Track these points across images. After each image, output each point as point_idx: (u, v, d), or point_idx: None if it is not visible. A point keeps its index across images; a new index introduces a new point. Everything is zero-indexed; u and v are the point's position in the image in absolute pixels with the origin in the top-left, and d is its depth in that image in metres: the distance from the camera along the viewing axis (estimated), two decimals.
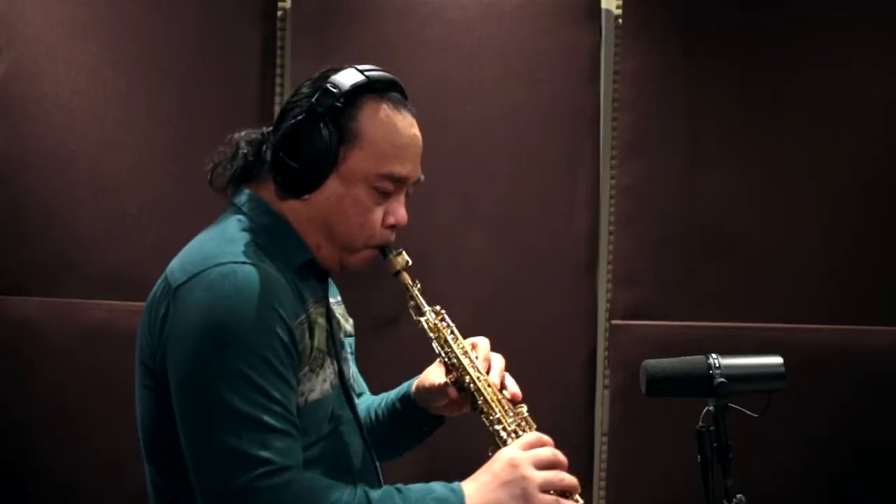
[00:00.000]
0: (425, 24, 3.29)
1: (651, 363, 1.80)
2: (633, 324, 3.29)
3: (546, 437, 1.77)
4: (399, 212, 1.84)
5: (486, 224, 3.30)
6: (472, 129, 3.29)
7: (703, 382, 1.77)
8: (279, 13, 3.35)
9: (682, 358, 1.80)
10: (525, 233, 3.31)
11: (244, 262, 1.70)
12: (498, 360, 1.94)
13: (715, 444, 1.76)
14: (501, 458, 1.73)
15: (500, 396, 1.86)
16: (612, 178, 3.36)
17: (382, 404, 2.10)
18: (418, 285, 1.91)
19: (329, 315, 1.89)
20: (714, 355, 1.78)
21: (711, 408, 1.76)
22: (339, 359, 1.89)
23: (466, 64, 3.29)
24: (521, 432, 1.81)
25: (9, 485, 3.22)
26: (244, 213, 1.83)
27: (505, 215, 3.31)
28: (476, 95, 3.29)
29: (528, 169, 3.30)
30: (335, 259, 1.85)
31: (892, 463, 3.24)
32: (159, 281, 1.78)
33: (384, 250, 1.86)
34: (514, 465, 1.70)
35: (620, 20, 3.34)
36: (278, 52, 3.35)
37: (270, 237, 1.79)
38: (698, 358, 1.79)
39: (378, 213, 1.82)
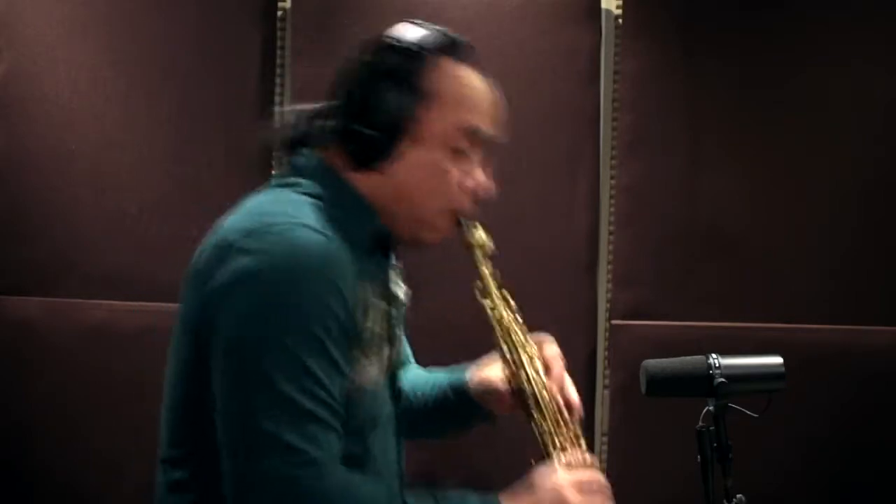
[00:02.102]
0: None
1: (651, 363, 1.79)
2: (633, 324, 3.29)
3: (592, 458, 1.72)
4: (480, 176, 1.72)
5: (486, 224, 3.29)
6: None
7: (703, 382, 1.76)
8: (279, 13, 3.35)
9: (682, 358, 1.80)
10: (525, 233, 3.30)
11: (309, 227, 1.57)
12: (559, 363, 1.84)
13: (715, 444, 1.76)
14: (545, 479, 1.65)
15: (555, 405, 1.76)
16: (612, 178, 3.36)
17: (431, 386, 1.96)
18: (490, 266, 1.80)
19: (390, 295, 1.75)
20: (714, 355, 1.78)
21: (711, 408, 1.76)
22: (394, 344, 1.75)
23: None
24: (569, 449, 1.73)
25: (9, 485, 3.22)
26: (308, 178, 1.68)
27: (505, 215, 3.30)
28: None
29: (528, 169, 3.30)
30: (412, 234, 1.72)
31: (892, 463, 3.24)
32: (208, 241, 1.64)
33: (459, 221, 1.74)
34: (556, 489, 1.63)
35: (620, 20, 3.33)
36: (278, 52, 3.35)
37: (337, 206, 1.65)
38: (698, 358, 1.79)
39: (456, 177, 1.69)
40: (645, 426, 3.22)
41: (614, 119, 3.35)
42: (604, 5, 3.34)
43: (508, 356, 1.79)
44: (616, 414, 3.28)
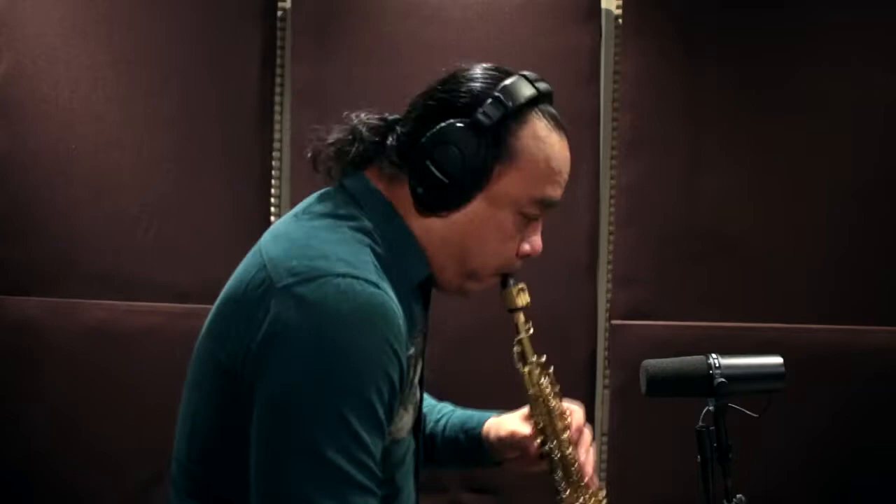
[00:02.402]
0: (425, 24, 3.29)
1: (651, 363, 1.79)
2: (633, 324, 3.29)
3: None
4: (537, 242, 1.68)
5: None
6: None
7: (703, 382, 1.76)
8: (279, 13, 3.35)
9: (682, 358, 1.79)
10: None
11: (366, 280, 1.49)
12: (587, 435, 1.83)
13: (715, 444, 1.76)
14: None
15: (581, 476, 1.77)
16: (612, 178, 3.36)
17: (442, 425, 1.94)
18: (531, 330, 1.75)
19: (424, 334, 1.71)
20: (714, 355, 1.78)
21: (711, 408, 1.76)
22: (423, 386, 1.73)
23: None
24: None
25: (9, 485, 3.22)
26: (361, 208, 1.60)
27: None
28: None
29: None
30: (456, 284, 1.68)
31: (892, 463, 3.24)
32: (253, 270, 1.54)
33: (506, 280, 1.70)
34: None
35: (620, 20, 3.34)
36: (278, 52, 3.35)
37: (390, 247, 1.58)
38: (698, 358, 1.78)
39: (517, 241, 1.66)
40: (645, 426, 3.22)
41: (614, 119, 3.35)
42: (604, 5, 3.34)
43: (541, 424, 1.78)
44: (616, 414, 3.28)
